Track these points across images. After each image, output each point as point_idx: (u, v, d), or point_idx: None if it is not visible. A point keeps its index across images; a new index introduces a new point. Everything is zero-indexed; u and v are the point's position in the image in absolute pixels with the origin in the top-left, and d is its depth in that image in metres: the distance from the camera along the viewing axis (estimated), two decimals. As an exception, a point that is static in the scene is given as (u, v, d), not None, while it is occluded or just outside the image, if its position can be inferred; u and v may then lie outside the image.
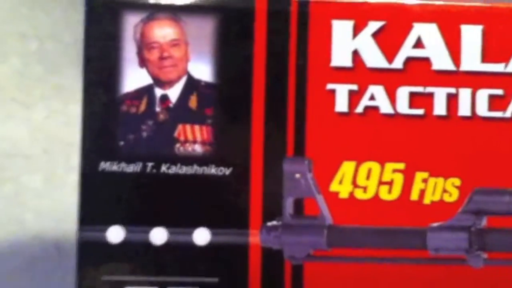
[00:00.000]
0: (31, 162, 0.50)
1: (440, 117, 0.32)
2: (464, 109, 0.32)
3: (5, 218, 0.48)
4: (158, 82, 0.32)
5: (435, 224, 0.32)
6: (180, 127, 0.32)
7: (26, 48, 0.51)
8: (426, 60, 0.32)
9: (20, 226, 0.48)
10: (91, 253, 0.31)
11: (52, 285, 0.46)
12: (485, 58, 0.32)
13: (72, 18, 0.52)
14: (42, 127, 0.50)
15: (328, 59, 0.32)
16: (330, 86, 0.32)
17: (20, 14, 0.52)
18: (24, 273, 0.47)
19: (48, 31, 0.52)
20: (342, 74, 0.32)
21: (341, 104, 0.32)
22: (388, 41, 0.32)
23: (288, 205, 0.32)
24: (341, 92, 0.32)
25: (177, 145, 0.32)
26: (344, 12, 0.32)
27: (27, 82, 0.51)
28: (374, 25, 0.32)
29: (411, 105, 0.32)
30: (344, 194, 0.32)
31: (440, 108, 0.32)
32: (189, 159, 0.32)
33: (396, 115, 0.32)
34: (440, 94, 0.32)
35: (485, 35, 0.32)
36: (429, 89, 0.32)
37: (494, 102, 0.32)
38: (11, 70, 0.51)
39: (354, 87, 0.32)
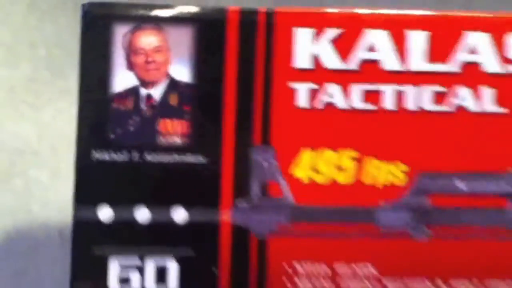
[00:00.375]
0: (39, 158, 0.53)
1: (389, 111, 0.37)
2: (411, 104, 0.37)
3: (14, 208, 0.52)
4: (144, 83, 0.37)
5: (385, 204, 0.36)
6: (162, 121, 0.37)
7: (36, 55, 0.55)
8: (377, 62, 0.37)
9: (28, 215, 0.52)
10: (84, 228, 0.36)
11: (54, 268, 0.50)
12: (429, 59, 0.37)
13: (76, 27, 0.56)
14: (49, 126, 0.54)
15: (291, 61, 0.37)
16: (292, 84, 0.36)
17: (30, 25, 0.56)
18: (30, 257, 0.51)
19: (55, 40, 0.55)
20: (303, 74, 0.37)
21: (302, 100, 0.36)
22: (344, 46, 0.37)
23: (255, 188, 0.36)
24: (302, 90, 0.37)
25: (160, 137, 0.37)
26: (305, 21, 0.37)
27: (36, 86, 0.55)
28: (332, 32, 0.37)
29: (364, 101, 0.37)
30: (304, 178, 0.36)
31: (389, 103, 0.37)
32: (169, 149, 0.36)
33: (351, 110, 0.37)
34: (389, 91, 0.37)
35: (429, 39, 0.37)
36: (380, 87, 0.37)
37: (438, 98, 0.37)
38: (22, 75, 0.55)
39: (314, 85, 0.37)
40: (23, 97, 0.54)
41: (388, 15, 0.37)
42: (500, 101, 0.36)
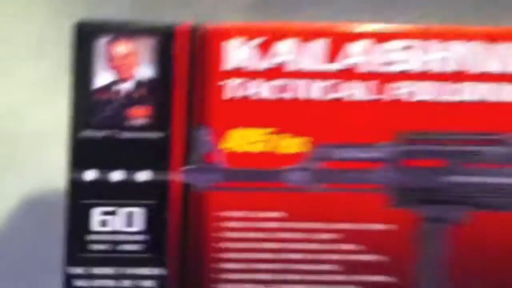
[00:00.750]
0: (56, 138, 0.66)
1: (295, 99, 0.50)
2: (310, 94, 0.50)
3: (36, 178, 0.66)
4: (118, 79, 0.51)
5: (291, 167, 0.50)
6: (131, 108, 0.50)
7: (58, 52, 0.66)
8: (285, 64, 0.50)
9: (47, 184, 0.66)
10: (75, 186, 0.50)
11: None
12: (323, 62, 0.50)
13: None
14: (65, 112, 0.67)
15: (221, 64, 0.50)
16: (221, 82, 0.50)
17: (54, 30, 0.69)
18: (47, 217, 0.65)
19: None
20: (229, 74, 0.50)
21: (229, 93, 0.50)
22: (261, 52, 0.50)
23: (197, 156, 0.50)
24: (230, 85, 0.50)
25: (129, 119, 0.50)
26: (233, 34, 0.50)
27: (56, 77, 0.67)
28: (252, 41, 0.50)
29: (275, 92, 0.50)
30: (232, 148, 0.50)
31: (295, 94, 0.50)
32: (137, 128, 0.50)
33: (265, 100, 0.50)
34: (293, 84, 0.50)
35: (323, 46, 0.50)
36: (287, 82, 0.50)
37: (327, 89, 0.50)
38: (47, 68, 0.67)
39: (239, 81, 0.50)
40: (45, 87, 0.67)
41: (292, 27, 0.50)
42: (371, 91, 0.50)
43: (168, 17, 0.52)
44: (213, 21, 0.51)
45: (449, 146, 0.49)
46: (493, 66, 0.50)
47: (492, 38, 0.50)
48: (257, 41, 0.50)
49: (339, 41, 0.50)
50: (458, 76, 0.50)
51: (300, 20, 0.51)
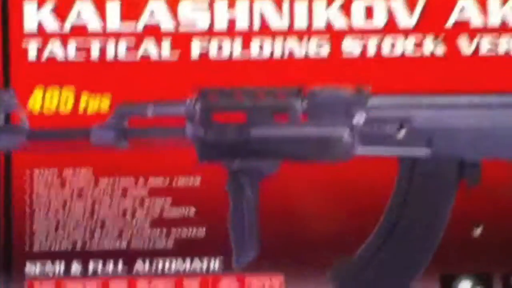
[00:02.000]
0: None
1: (96, 61, 0.51)
2: (114, 53, 0.51)
3: None
4: None
5: (97, 125, 0.50)
6: None
7: None
8: (86, 24, 0.51)
9: None
10: None
11: None
12: (121, 20, 0.52)
13: None
14: None
15: (22, 27, 0.51)
16: (24, 44, 0.51)
17: None
18: None
19: None
20: (30, 36, 0.51)
21: (32, 56, 0.51)
22: (61, 14, 0.51)
23: (1, 117, 0.50)
24: (32, 48, 0.51)
25: None
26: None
27: None
28: (50, 4, 0.51)
29: (77, 52, 0.51)
30: (36, 109, 0.51)
31: (95, 53, 0.51)
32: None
33: (68, 61, 0.51)
34: (96, 45, 0.51)
35: (120, 7, 0.51)
36: (88, 42, 0.51)
37: (130, 49, 0.51)
38: None
39: (40, 45, 0.51)
40: None
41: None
42: (173, 47, 0.51)
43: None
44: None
45: (253, 101, 0.51)
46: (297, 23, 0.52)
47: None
48: (54, 4, 0.51)
49: (135, 2, 0.52)
50: (263, 33, 0.52)
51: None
